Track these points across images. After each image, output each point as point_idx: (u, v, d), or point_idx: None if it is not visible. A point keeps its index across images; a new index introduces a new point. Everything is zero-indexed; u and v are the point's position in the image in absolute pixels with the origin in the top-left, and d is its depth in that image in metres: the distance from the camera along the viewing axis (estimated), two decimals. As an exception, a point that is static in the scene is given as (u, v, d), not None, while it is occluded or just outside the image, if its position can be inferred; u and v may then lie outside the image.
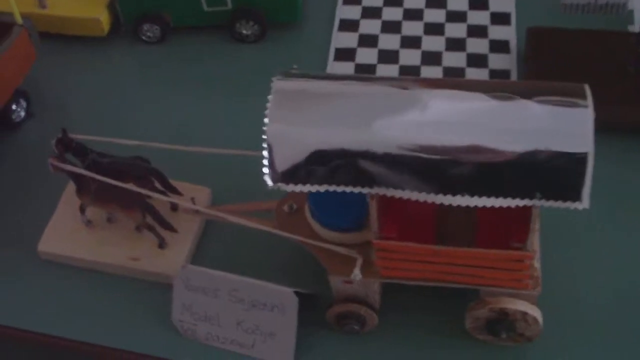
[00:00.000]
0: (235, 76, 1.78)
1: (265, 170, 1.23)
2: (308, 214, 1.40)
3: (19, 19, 1.66)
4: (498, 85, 1.22)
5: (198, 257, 1.51)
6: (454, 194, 1.19)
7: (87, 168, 1.45)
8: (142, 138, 1.50)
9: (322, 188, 1.23)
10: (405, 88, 1.22)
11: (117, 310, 1.46)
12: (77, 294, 1.49)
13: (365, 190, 1.22)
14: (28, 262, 1.53)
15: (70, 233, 1.53)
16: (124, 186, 1.42)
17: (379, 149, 1.19)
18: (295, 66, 1.33)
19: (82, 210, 1.52)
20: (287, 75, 1.27)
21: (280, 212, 1.43)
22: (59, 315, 1.47)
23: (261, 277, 1.40)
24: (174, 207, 1.54)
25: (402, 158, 1.19)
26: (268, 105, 1.24)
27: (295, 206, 1.43)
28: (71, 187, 1.58)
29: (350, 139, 1.19)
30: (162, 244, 1.49)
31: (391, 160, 1.19)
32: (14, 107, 1.69)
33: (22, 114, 1.72)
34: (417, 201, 1.22)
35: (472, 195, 1.19)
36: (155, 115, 1.73)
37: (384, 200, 1.26)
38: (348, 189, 1.23)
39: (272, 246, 1.52)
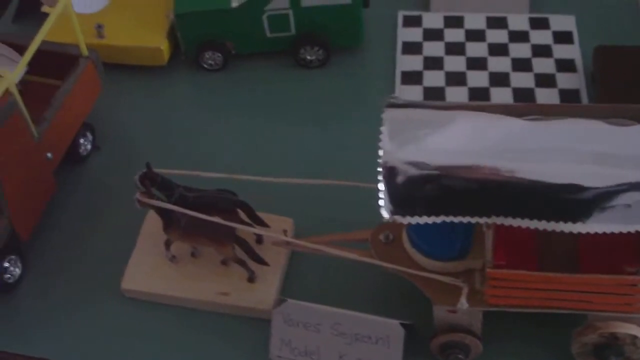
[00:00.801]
0: (301, 102, 1.76)
1: (382, 202, 1.21)
2: (407, 244, 1.38)
3: (84, 51, 1.63)
4: (609, 111, 1.22)
5: (286, 290, 1.48)
6: (574, 221, 1.18)
7: (175, 203, 1.42)
8: (210, 168, 1.48)
9: (439, 219, 1.21)
10: (519, 115, 1.21)
11: (210, 347, 1.43)
12: (165, 332, 1.45)
13: (483, 220, 1.21)
14: (110, 299, 1.50)
15: (153, 269, 1.50)
16: (217, 221, 1.39)
17: (499, 177, 1.18)
18: (393, 95, 1.31)
19: (168, 245, 1.48)
20: (393, 104, 1.26)
21: (376, 242, 1.41)
22: (149, 355, 1.43)
23: (351, 309, 1.38)
24: (259, 240, 1.51)
25: (523, 186, 1.17)
26: (381, 135, 1.22)
27: (391, 236, 1.41)
28: (149, 222, 1.55)
29: (470, 169, 1.18)
30: (251, 278, 1.47)
31: (511, 189, 1.18)
32: (81, 140, 1.65)
33: (89, 147, 1.68)
34: (519, 228, 1.22)
35: (591, 221, 1.18)
36: (222, 144, 1.71)
37: (495, 229, 1.25)
38: (465, 220, 1.21)
39: (359, 277, 1.50)
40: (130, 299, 1.50)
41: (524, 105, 1.26)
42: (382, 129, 1.22)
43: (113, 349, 1.45)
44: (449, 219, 1.21)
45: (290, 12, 1.72)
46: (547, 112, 1.23)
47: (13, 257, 1.50)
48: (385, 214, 1.21)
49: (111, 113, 1.75)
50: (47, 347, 1.46)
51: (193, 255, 1.51)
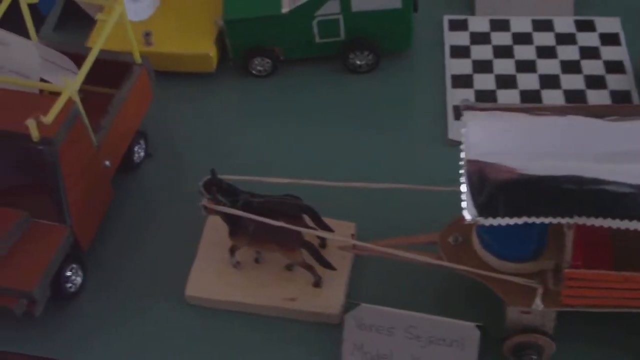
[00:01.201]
0: (352, 107, 1.75)
1: (464, 204, 1.21)
2: (477, 246, 1.38)
3: (138, 58, 1.62)
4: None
5: (351, 294, 1.47)
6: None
7: (241, 209, 1.41)
8: (262, 174, 1.48)
9: (522, 220, 1.21)
10: (599, 116, 1.22)
11: (279, 354, 1.42)
12: (231, 339, 1.44)
13: (565, 221, 1.21)
14: (172, 306, 1.49)
15: (217, 276, 1.49)
16: (285, 226, 1.39)
17: (583, 178, 1.18)
18: (464, 99, 1.31)
19: (233, 251, 1.47)
20: (472, 107, 1.26)
21: (445, 245, 1.40)
22: (218, 362, 1.43)
23: (416, 311, 1.38)
24: (323, 244, 1.51)
25: (606, 186, 1.18)
26: (463, 138, 1.22)
27: (460, 238, 1.40)
28: (209, 228, 1.54)
29: (554, 170, 1.18)
30: (318, 282, 1.46)
31: (594, 189, 1.18)
32: (135, 148, 1.64)
33: (142, 154, 1.67)
34: (592, 227, 1.22)
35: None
36: (273, 150, 1.70)
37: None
38: (548, 220, 1.21)
39: (420, 280, 1.50)
40: (193, 306, 1.48)
41: (603, 106, 1.26)
42: (464, 131, 1.22)
43: (177, 356, 1.44)
44: (531, 219, 1.21)
45: (341, 17, 1.72)
46: (625, 113, 1.23)
47: (74, 265, 1.48)
48: (468, 215, 1.21)
49: (161, 120, 1.74)
50: (109, 355, 1.45)
51: (257, 260, 1.50)
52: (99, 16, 1.53)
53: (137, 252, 1.57)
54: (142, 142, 1.66)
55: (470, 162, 1.19)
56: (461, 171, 1.20)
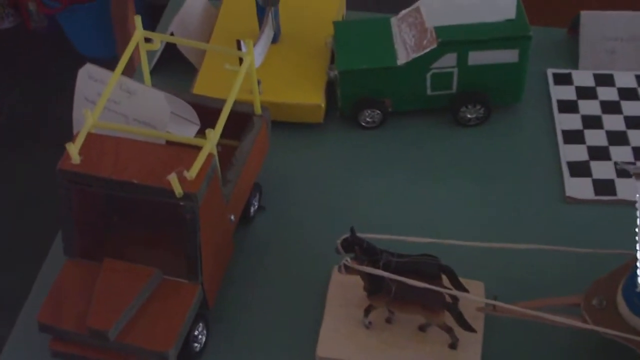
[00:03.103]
0: (462, 161, 1.73)
1: (641, 273, 1.19)
2: (624, 309, 1.35)
3: (258, 109, 1.59)
4: None
5: (485, 356, 1.44)
6: None
7: (382, 268, 1.38)
8: (373, 228, 1.45)
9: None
10: None
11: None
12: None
13: None
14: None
15: (348, 337, 1.44)
16: (429, 287, 1.35)
17: None
18: (630, 163, 1.29)
19: (368, 312, 1.44)
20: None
21: (589, 308, 1.38)
22: None
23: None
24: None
25: None
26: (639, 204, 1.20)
27: (604, 301, 1.38)
28: (336, 286, 1.51)
29: None
30: (454, 344, 1.42)
31: None
32: (252, 200, 1.61)
33: (256, 206, 1.63)
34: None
35: None
36: (387, 203, 1.67)
37: None
38: None
39: (551, 341, 1.47)
40: (321, 367, 1.45)
41: None
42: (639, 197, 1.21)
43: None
44: None
45: (455, 70, 1.70)
46: None
47: (200, 324, 1.44)
48: (644, 286, 1.19)
49: (269, 170, 1.70)
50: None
51: (388, 321, 1.46)
52: (227, 67, 1.50)
53: (258, 308, 1.53)
54: (257, 194, 1.63)
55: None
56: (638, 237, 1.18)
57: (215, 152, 1.39)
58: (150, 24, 3.98)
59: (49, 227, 3.22)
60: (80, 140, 1.39)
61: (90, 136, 1.41)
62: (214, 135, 1.37)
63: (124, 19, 3.10)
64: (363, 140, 1.78)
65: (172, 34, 1.83)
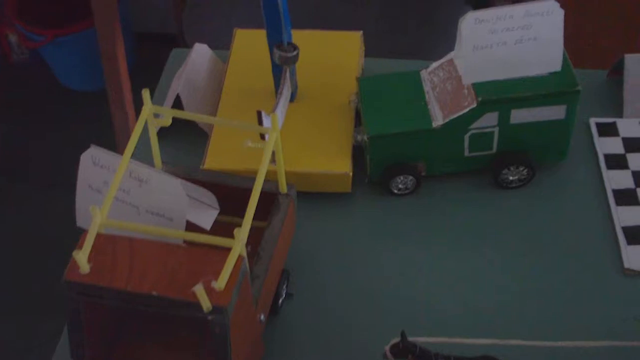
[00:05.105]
0: (504, 227, 1.56)
1: None
2: None
3: (284, 188, 1.42)
4: None
5: None
6: None
7: (438, 376, 1.22)
8: (419, 317, 1.30)
9: None
10: None
11: None
12: None
13: None
14: None
15: None
16: (494, 397, 1.20)
17: None
18: None
19: (422, 422, 1.28)
20: None
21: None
22: None
23: None
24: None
25: None
26: None
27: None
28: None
29: None
30: None
31: None
32: (281, 290, 1.43)
33: (284, 295, 1.46)
34: None
35: None
36: (424, 279, 1.50)
37: None
38: None
39: None
40: None
41: None
42: None
43: None
44: None
45: (496, 129, 1.54)
46: None
47: None
48: None
49: (294, 250, 1.53)
50: None
51: None
52: (250, 144, 1.33)
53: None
54: (285, 281, 1.46)
55: None
56: None
57: (245, 254, 1.22)
58: (138, 57, 3.81)
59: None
60: (88, 244, 1.22)
61: (99, 238, 1.24)
62: (242, 234, 1.20)
63: (111, 53, 2.93)
64: (396, 209, 1.60)
65: (178, 96, 1.66)
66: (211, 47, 1.82)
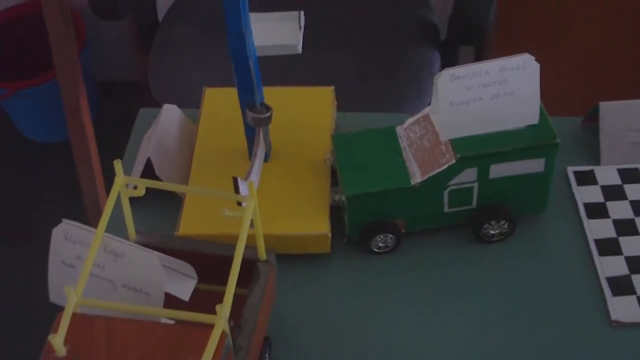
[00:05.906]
0: (487, 283, 1.53)
1: None
2: None
3: (263, 255, 1.38)
4: None
5: None
6: None
7: None
8: None
9: None
10: None
11: None
12: None
13: None
14: None
15: None
16: None
17: None
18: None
19: None
20: None
21: None
22: None
23: None
24: None
25: None
26: None
27: None
28: None
29: None
30: None
31: None
32: (264, 356, 1.40)
33: (267, 362, 1.43)
34: None
35: None
36: (413, 341, 1.47)
37: None
38: None
39: None
40: None
41: None
42: None
43: None
44: None
45: (476, 184, 1.52)
46: None
47: None
48: None
49: (274, 317, 1.48)
50: None
51: None
52: (227, 212, 1.29)
53: None
54: (267, 350, 1.41)
55: None
56: None
57: (227, 329, 1.18)
58: (101, 103, 3.74)
59: None
60: (64, 327, 1.17)
61: (75, 317, 1.19)
62: (225, 310, 1.16)
63: (75, 106, 2.88)
64: (377, 268, 1.57)
65: (149, 159, 1.62)
66: (177, 97, 1.79)
